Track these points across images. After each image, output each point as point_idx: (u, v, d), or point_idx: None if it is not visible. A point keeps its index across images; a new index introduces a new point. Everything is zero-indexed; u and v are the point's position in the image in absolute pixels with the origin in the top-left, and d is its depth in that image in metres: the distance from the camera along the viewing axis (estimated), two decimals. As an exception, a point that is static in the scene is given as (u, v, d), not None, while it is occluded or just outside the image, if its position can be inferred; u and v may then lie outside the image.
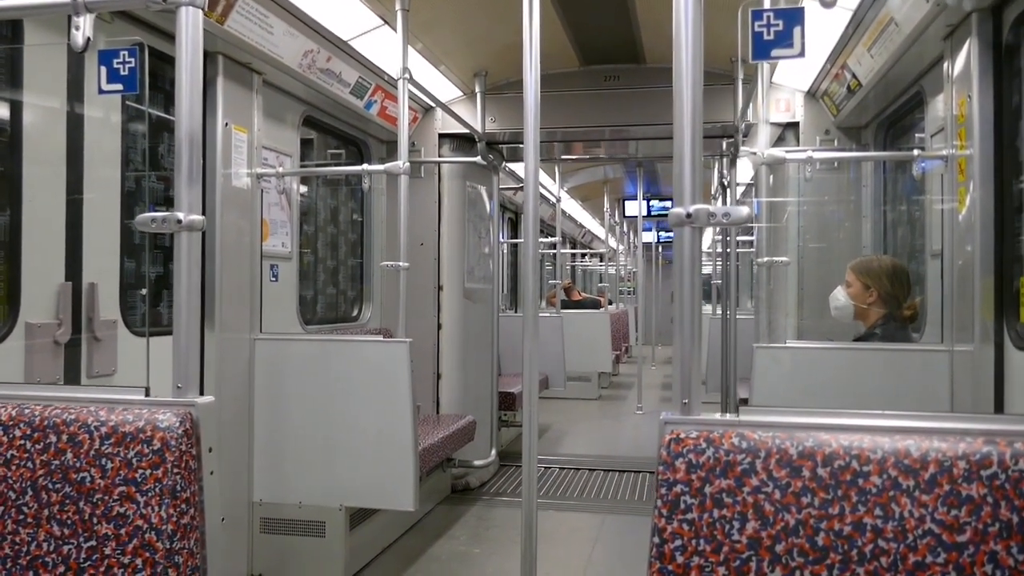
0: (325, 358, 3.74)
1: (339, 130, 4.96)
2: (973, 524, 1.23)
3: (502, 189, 7.86)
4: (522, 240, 2.73)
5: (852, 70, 3.98)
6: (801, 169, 4.04)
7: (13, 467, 1.54)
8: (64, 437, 1.53)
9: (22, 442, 1.55)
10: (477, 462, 5.52)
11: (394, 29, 3.79)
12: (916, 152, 3.49)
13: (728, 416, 1.39)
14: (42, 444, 1.54)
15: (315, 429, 3.71)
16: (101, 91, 1.71)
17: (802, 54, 1.39)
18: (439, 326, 5.49)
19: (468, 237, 5.64)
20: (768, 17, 1.41)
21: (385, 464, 3.64)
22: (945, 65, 3.24)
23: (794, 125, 4.89)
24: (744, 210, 1.37)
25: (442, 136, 5.47)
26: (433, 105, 5.13)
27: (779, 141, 4.95)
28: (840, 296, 3.56)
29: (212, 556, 1.53)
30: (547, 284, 11.74)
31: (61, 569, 1.49)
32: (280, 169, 4.02)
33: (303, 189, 4.72)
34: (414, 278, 4.68)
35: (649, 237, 15.54)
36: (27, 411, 1.58)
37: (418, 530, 4.71)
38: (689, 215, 1.37)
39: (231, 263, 3.59)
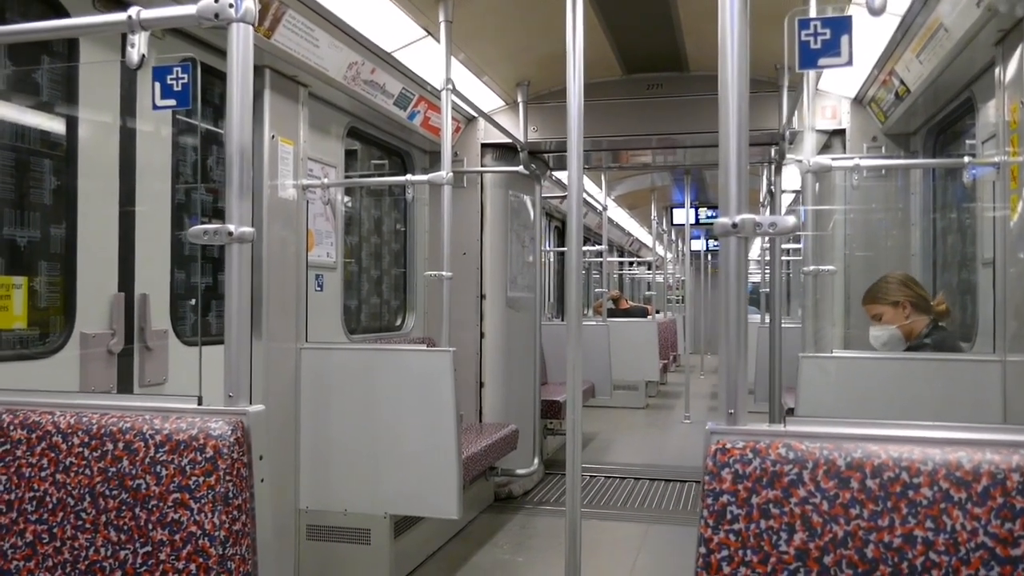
0: (369, 367, 3.78)
1: (383, 141, 5.01)
2: None
3: (548, 197, 7.88)
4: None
5: (900, 76, 3.92)
6: (848, 177, 4.00)
7: (72, 474, 1.59)
8: (120, 445, 1.57)
9: (80, 449, 1.59)
10: (520, 471, 5.52)
11: (437, 40, 3.82)
12: (967, 159, 3.44)
13: (775, 426, 1.38)
14: (99, 451, 1.58)
15: (360, 437, 3.74)
16: (156, 107, 1.75)
17: (850, 63, 1.38)
18: (482, 335, 5.51)
19: (511, 246, 5.65)
20: (815, 26, 1.40)
21: (429, 472, 3.66)
22: (996, 70, 3.19)
23: (841, 132, 4.84)
24: (791, 220, 1.36)
25: (485, 146, 5.51)
26: (476, 115, 5.16)
27: (826, 148, 4.90)
28: (879, 332, 3.47)
29: (263, 562, 1.55)
30: (594, 292, 11.67)
31: (118, 574, 1.53)
32: (325, 180, 4.08)
33: (347, 200, 4.78)
34: (457, 287, 4.70)
35: (698, 245, 15.39)
36: (84, 419, 1.62)
37: (462, 538, 4.72)
38: (735, 225, 1.36)
39: (277, 273, 3.64)
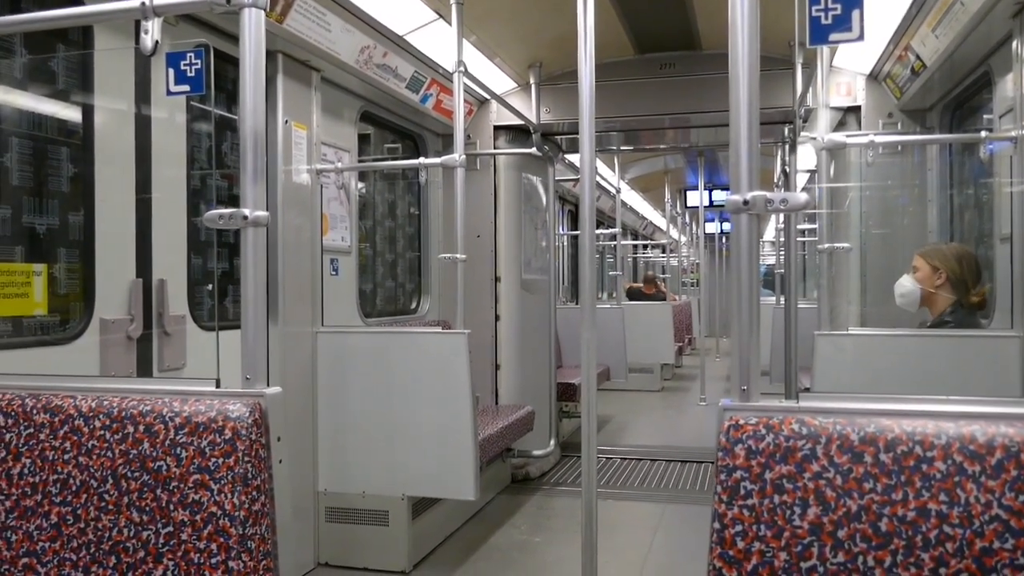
0: (385, 350, 3.80)
1: (396, 124, 5.01)
2: None
3: (561, 181, 7.85)
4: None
5: (916, 51, 3.89)
6: (863, 154, 3.97)
7: (94, 456, 1.61)
8: (141, 427, 1.59)
9: (102, 432, 1.62)
10: (536, 452, 5.55)
11: (449, 23, 3.81)
12: (984, 134, 3.41)
13: (787, 402, 1.38)
14: (120, 434, 1.60)
15: (377, 420, 3.77)
16: (169, 92, 1.76)
17: (861, 38, 1.37)
18: (497, 317, 5.52)
19: (525, 228, 5.65)
20: (826, 1, 1.39)
21: (446, 454, 3.68)
22: (1014, 44, 3.16)
23: (856, 109, 4.80)
24: (802, 196, 1.36)
25: (497, 128, 5.50)
26: (488, 97, 5.15)
27: (840, 126, 4.86)
28: (906, 282, 3.43)
29: (282, 542, 1.58)
30: (608, 276, 11.61)
31: (141, 554, 1.55)
32: (339, 164, 4.09)
33: (361, 184, 4.79)
34: (471, 270, 4.71)
35: (712, 228, 15.31)
36: (106, 403, 1.64)
37: (479, 519, 4.75)
38: (746, 202, 1.37)
39: (293, 258, 3.67)
